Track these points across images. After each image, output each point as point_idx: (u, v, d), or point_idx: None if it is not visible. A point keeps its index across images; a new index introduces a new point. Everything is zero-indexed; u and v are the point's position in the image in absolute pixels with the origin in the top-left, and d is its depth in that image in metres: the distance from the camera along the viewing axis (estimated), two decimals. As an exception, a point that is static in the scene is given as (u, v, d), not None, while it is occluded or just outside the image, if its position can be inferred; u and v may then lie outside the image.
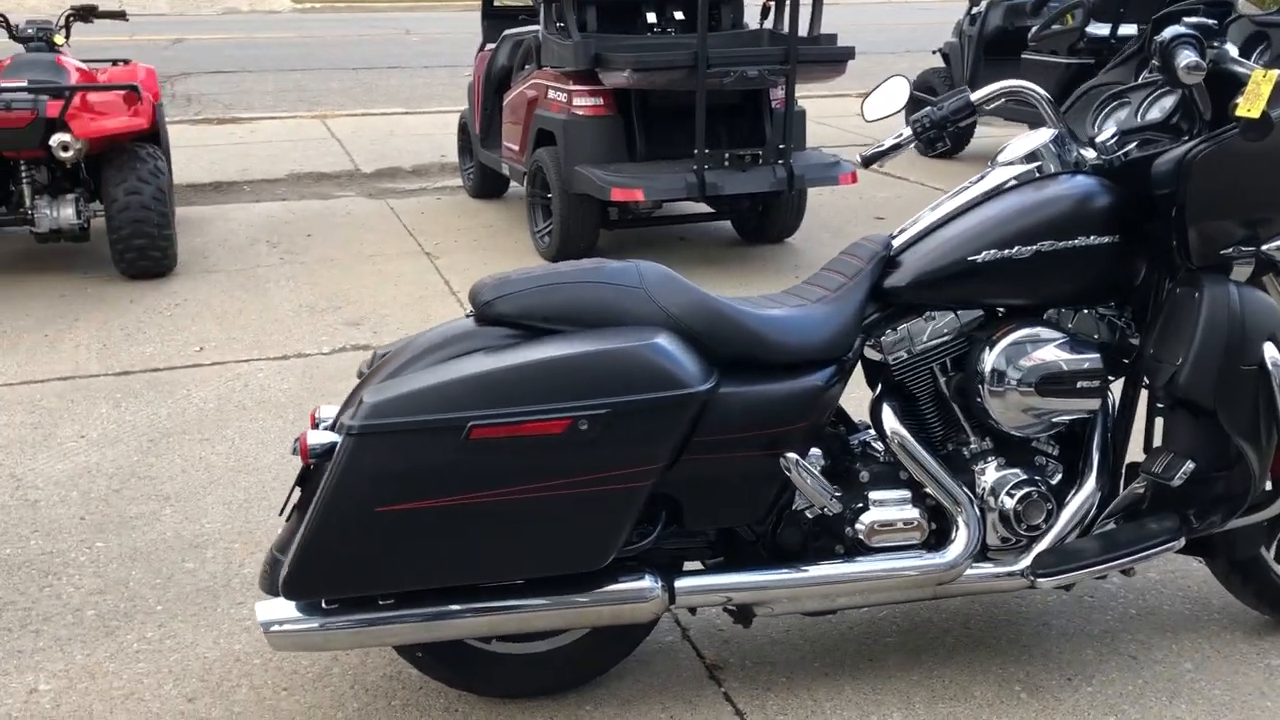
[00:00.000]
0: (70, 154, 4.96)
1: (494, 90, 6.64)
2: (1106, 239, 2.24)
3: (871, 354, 2.36)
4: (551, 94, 5.56)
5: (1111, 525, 2.36)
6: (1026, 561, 2.27)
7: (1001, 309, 2.33)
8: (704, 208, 5.94)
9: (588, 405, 1.92)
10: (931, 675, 2.44)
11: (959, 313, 2.33)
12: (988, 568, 2.28)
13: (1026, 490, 2.29)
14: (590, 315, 2.15)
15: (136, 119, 5.13)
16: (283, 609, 2.02)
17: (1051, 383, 2.24)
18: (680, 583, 2.17)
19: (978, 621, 2.63)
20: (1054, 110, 2.45)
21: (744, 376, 2.18)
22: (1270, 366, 2.18)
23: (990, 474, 2.32)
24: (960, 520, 2.27)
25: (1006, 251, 2.23)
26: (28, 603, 2.71)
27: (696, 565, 2.29)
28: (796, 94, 5.56)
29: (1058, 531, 2.30)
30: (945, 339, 2.32)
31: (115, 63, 6.21)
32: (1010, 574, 2.27)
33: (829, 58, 5.22)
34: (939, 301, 2.30)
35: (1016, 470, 2.32)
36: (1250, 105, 1.97)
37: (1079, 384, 2.25)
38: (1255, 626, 2.60)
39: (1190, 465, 2.24)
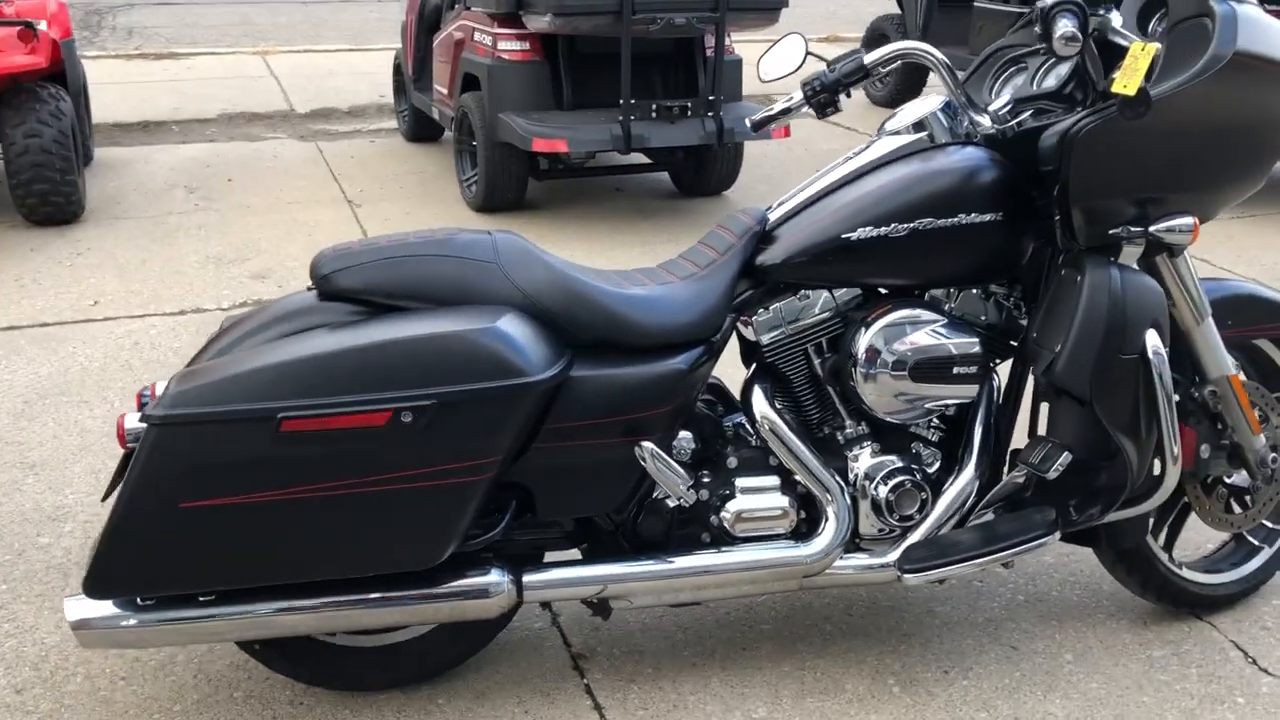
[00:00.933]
0: (-36, 93, 4.73)
1: (426, 30, 6.41)
2: (989, 216, 2.11)
3: (746, 333, 2.23)
4: (478, 36, 5.34)
5: (990, 515, 2.26)
6: (895, 555, 2.17)
7: (882, 289, 2.21)
8: (640, 158, 5.77)
9: (411, 396, 1.78)
10: (804, 666, 2.34)
11: (835, 291, 2.20)
12: (858, 559, 2.18)
13: (899, 479, 2.18)
14: (438, 292, 2.00)
15: (34, 57, 4.88)
16: (95, 605, 1.89)
17: (926, 368, 2.12)
18: (529, 577, 2.05)
19: (860, 608, 2.54)
20: (951, 76, 2.30)
21: (602, 360, 2.05)
22: (1150, 355, 2.06)
23: (863, 461, 2.21)
24: (830, 509, 2.16)
25: (883, 230, 2.10)
26: None
27: (558, 556, 2.18)
28: (732, 43, 5.38)
29: (933, 522, 2.20)
30: (820, 319, 2.20)
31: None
32: (879, 567, 2.17)
33: (760, 5, 5.02)
34: (813, 280, 2.17)
35: (891, 458, 2.21)
36: (1126, 80, 1.83)
37: (955, 370, 2.14)
38: (1141, 614, 2.52)
39: (1067, 456, 2.13)
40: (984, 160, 2.13)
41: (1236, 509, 2.47)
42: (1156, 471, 2.17)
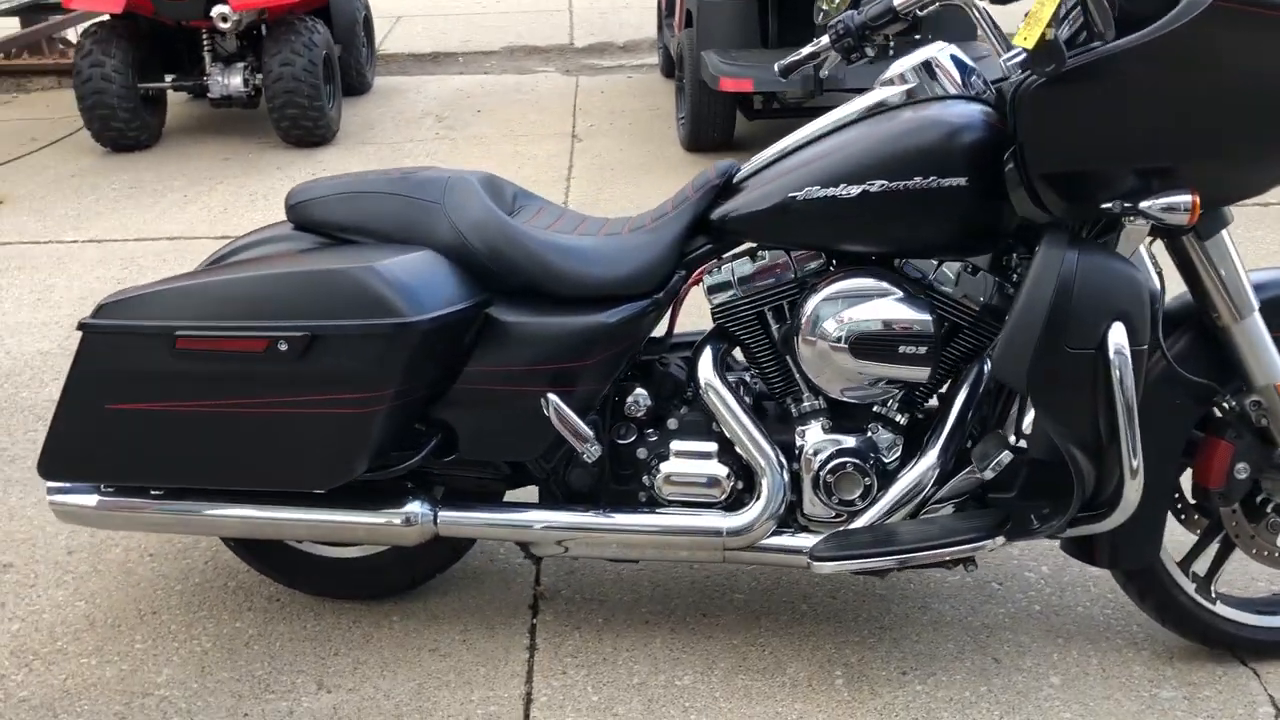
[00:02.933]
0: (228, 24, 5.30)
1: (677, -35, 6.40)
2: (952, 181, 1.87)
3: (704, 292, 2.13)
4: (698, -28, 5.29)
5: (948, 510, 2.05)
6: (812, 540, 2.02)
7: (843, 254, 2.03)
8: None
9: (287, 326, 1.87)
10: (754, 642, 2.25)
11: (793, 254, 2.05)
12: (777, 540, 2.05)
13: (841, 461, 2.02)
14: (385, 228, 2.08)
15: (289, -7, 5.38)
16: (67, 486, 2.15)
17: (868, 343, 1.95)
18: (444, 513, 2.11)
19: (848, 592, 2.38)
20: (989, 22, 2.05)
21: (529, 307, 2.05)
22: (1112, 353, 1.77)
23: (811, 437, 2.06)
24: (764, 483, 2.05)
25: (830, 190, 1.93)
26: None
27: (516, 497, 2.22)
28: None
29: (878, 511, 2.02)
30: (773, 281, 2.06)
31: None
32: (793, 550, 2.03)
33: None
34: (763, 239, 2.04)
35: (840, 437, 2.05)
36: (1028, 31, 1.56)
37: (901, 349, 1.94)
38: (1172, 648, 2.19)
39: (1007, 456, 1.89)
40: (956, 119, 1.89)
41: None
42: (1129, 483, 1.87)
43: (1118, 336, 1.77)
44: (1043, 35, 1.57)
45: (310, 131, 5.57)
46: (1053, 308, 1.77)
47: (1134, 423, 1.80)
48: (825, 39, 2.17)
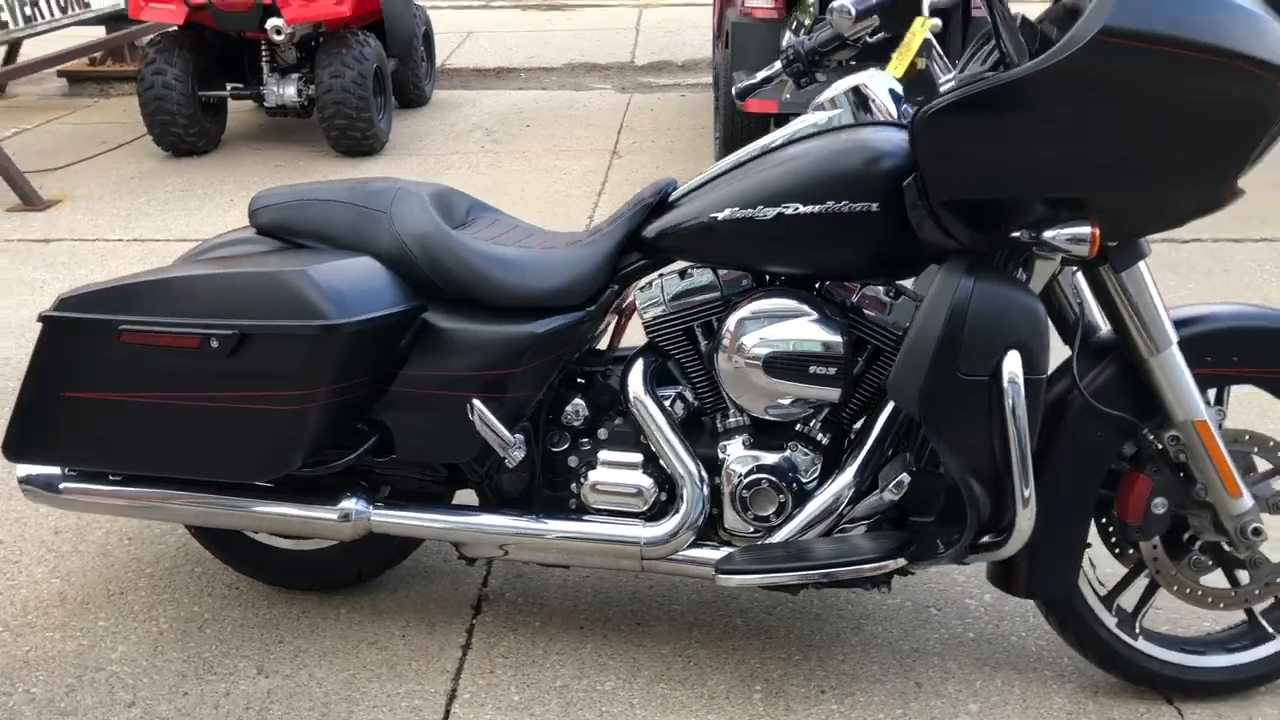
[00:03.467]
0: (282, 37, 5.51)
1: (727, -13, 6.46)
2: (863, 206, 1.90)
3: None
4: (734, -7, 5.35)
5: (860, 530, 2.07)
6: (720, 554, 2.06)
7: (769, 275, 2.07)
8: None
9: (219, 325, 1.97)
10: (682, 653, 2.29)
11: (720, 273, 2.10)
12: (692, 552, 2.09)
13: (757, 477, 2.06)
14: (334, 235, 2.18)
15: (339, 7, 5.56)
16: (34, 468, 2.28)
17: (780, 363, 1.98)
18: (377, 513, 2.19)
19: (784, 609, 2.41)
20: (934, 51, 2.07)
21: (463, 314, 2.12)
22: (1006, 382, 1.78)
23: (732, 453, 2.10)
24: (683, 495, 2.09)
25: (749, 211, 1.97)
26: None
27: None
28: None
29: (792, 528, 2.05)
30: (700, 299, 2.11)
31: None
32: (701, 563, 2.07)
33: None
34: (690, 257, 2.09)
35: (760, 454, 2.08)
36: (899, 61, 1.58)
37: (811, 369, 1.97)
38: (1101, 684, 2.17)
39: (905, 478, 1.90)
40: (872, 144, 1.91)
41: (1225, 582, 2.06)
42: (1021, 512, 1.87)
43: (1012, 365, 1.78)
44: (912, 65, 1.59)
45: (358, 142, 5.75)
46: (944, 333, 1.79)
47: (1026, 451, 1.80)
48: (778, 64, 2.22)
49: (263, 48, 5.84)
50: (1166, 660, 2.11)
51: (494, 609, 2.44)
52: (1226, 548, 2.04)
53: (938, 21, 1.74)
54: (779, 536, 2.06)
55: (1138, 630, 2.11)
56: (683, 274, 2.13)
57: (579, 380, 2.25)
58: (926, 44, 1.70)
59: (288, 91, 5.82)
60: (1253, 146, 1.71)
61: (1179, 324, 1.97)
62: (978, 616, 2.37)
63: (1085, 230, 1.75)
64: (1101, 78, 1.65)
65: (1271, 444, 2.03)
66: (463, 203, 2.34)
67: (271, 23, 5.46)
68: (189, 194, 5.36)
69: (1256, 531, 1.97)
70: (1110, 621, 2.10)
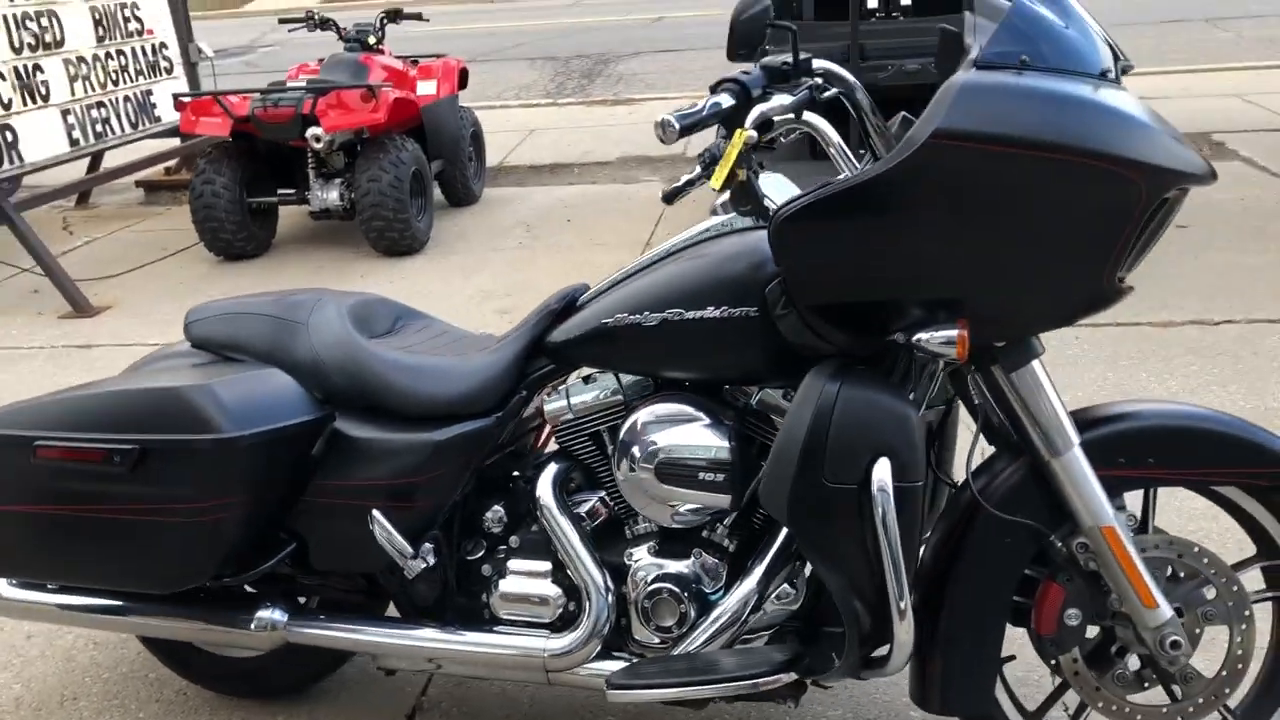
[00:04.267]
0: (321, 144, 5.73)
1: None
2: (742, 311, 1.88)
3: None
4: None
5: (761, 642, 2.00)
6: (615, 667, 2.01)
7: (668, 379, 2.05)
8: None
9: (121, 440, 2.02)
10: (605, 767, 2.23)
11: (621, 377, 2.09)
12: (594, 665, 2.05)
13: (658, 586, 2.02)
14: (255, 348, 2.24)
15: (374, 115, 5.76)
16: (-14, 579, 2.36)
17: (671, 469, 1.95)
18: (293, 624, 2.20)
19: (760, 711, 2.34)
20: (835, 146, 2.05)
21: (371, 423, 2.15)
22: (875, 490, 1.72)
23: (637, 560, 2.07)
24: (588, 605, 2.06)
25: (636, 317, 1.96)
26: None
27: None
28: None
29: (696, 638, 2.00)
30: (603, 404, 2.09)
31: (434, 57, 6.99)
32: (598, 676, 2.02)
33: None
34: (589, 363, 2.09)
35: (664, 562, 2.04)
36: (720, 172, 1.57)
37: (700, 475, 1.94)
38: (1035, 806, 2.05)
39: (786, 588, 1.84)
40: (752, 249, 1.89)
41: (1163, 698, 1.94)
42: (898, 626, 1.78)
43: (881, 473, 1.72)
44: (731, 175, 1.58)
45: (396, 242, 5.91)
46: (808, 439, 1.74)
47: (899, 562, 1.73)
48: (698, 168, 2.22)
49: (308, 155, 6.07)
50: (1097, 782, 1.98)
51: (428, 715, 2.42)
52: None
53: (753, 134, 1.73)
54: (681, 648, 2.01)
55: (1069, 750, 1.99)
56: (587, 379, 2.13)
57: (499, 487, 2.24)
58: (745, 156, 1.69)
59: (330, 195, 6.03)
60: (1123, 242, 1.65)
61: (1091, 424, 1.89)
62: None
63: (952, 333, 1.70)
64: (939, 179, 1.62)
65: (1196, 550, 1.91)
66: (389, 312, 2.38)
67: (311, 131, 5.69)
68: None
69: (1175, 645, 1.85)
70: (1035, 741, 1.98)
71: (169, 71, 7.50)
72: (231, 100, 5.87)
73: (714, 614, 1.99)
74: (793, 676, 1.90)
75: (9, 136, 6.08)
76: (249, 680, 2.49)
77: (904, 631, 1.77)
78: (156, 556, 2.08)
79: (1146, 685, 1.95)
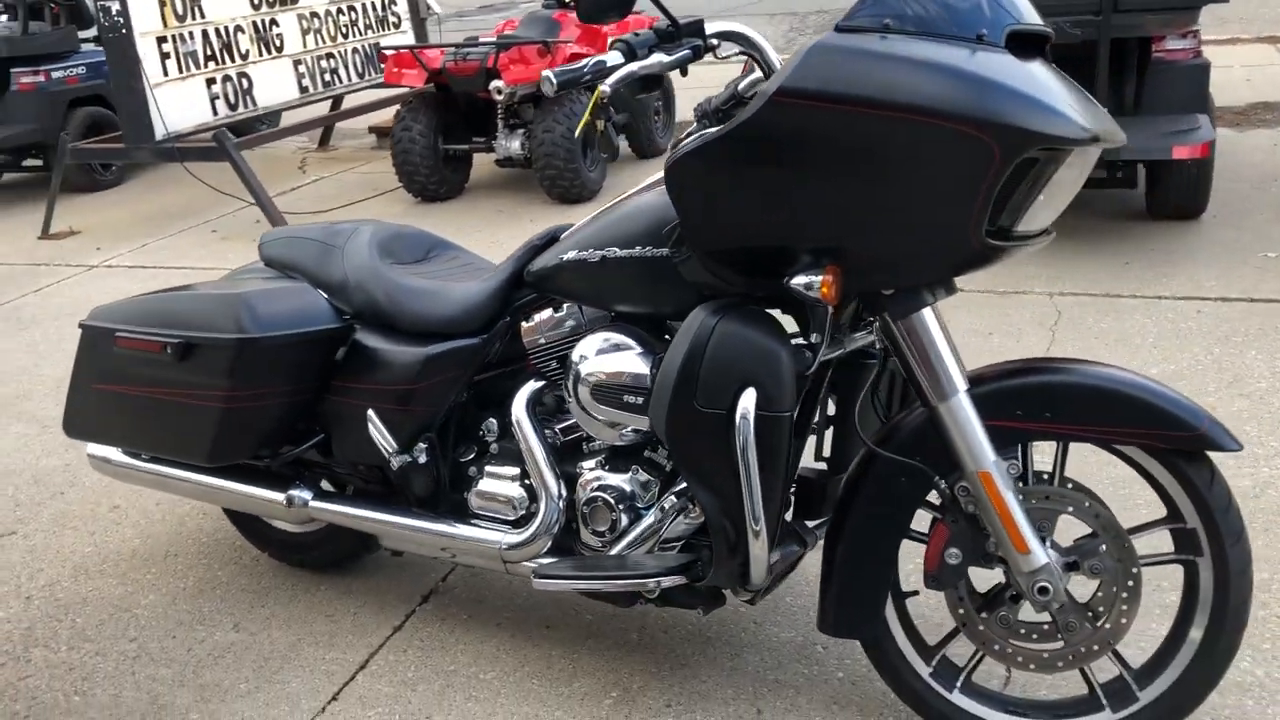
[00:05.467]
0: (501, 96, 6.16)
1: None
2: (661, 251, 2.07)
3: None
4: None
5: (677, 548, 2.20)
6: (543, 561, 2.26)
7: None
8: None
9: (174, 335, 2.44)
10: (569, 655, 2.49)
11: (584, 308, 2.32)
12: (542, 560, 2.30)
13: (596, 495, 2.25)
14: (305, 266, 2.62)
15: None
16: (99, 447, 2.87)
17: (602, 390, 2.17)
18: (315, 501, 2.58)
19: (681, 629, 2.55)
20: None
21: (383, 336, 2.48)
22: (738, 417, 1.88)
23: (585, 473, 2.31)
24: (540, 507, 2.32)
25: (584, 254, 2.19)
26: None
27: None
28: (1193, 46, 4.71)
29: (625, 543, 2.22)
30: (565, 331, 2.34)
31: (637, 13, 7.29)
32: (529, 568, 2.28)
33: (1168, 4, 4.30)
34: (555, 293, 2.32)
35: (606, 475, 2.27)
36: (580, 123, 1.74)
37: (624, 397, 2.15)
38: (934, 735, 2.16)
39: (672, 500, 2.02)
40: (680, 192, 2.08)
41: (1040, 642, 2.01)
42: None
43: (745, 401, 1.89)
44: (592, 126, 1.77)
45: (567, 190, 6.28)
46: (684, 366, 1.92)
47: (755, 484, 1.89)
48: (694, 125, 2.41)
49: (497, 106, 6.53)
50: (981, 717, 2.07)
51: (439, 600, 2.76)
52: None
53: (606, 91, 1.89)
54: (615, 550, 2.24)
55: (957, 683, 2.09)
56: (556, 308, 2.37)
57: (494, 401, 2.53)
58: (602, 109, 1.86)
59: (513, 145, 6.47)
60: (982, 200, 1.72)
61: (996, 376, 1.97)
62: (858, 660, 2.39)
63: (817, 277, 1.84)
64: (785, 135, 1.75)
65: (1087, 504, 1.96)
66: (424, 243, 2.70)
67: (494, 84, 6.12)
68: (414, 234, 6.12)
69: (1043, 590, 1.92)
70: (924, 670, 2.09)
71: (397, 26, 8.17)
72: (427, 54, 6.39)
73: (640, 524, 2.21)
74: (681, 579, 2.10)
75: (245, 83, 6.87)
76: (301, 552, 2.91)
77: (758, 548, 1.94)
78: (200, 434, 2.50)
79: (1033, 635, 2.02)
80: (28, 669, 2.63)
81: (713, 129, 1.86)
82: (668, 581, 2.10)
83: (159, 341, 2.47)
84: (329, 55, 7.52)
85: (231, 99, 6.75)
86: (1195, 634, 1.96)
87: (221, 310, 2.43)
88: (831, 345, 2.07)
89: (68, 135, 7.08)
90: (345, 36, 7.67)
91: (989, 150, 1.69)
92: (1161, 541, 2.01)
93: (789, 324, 2.06)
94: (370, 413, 2.44)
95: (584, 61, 1.97)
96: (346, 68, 7.67)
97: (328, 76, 7.52)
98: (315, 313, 2.47)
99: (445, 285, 2.47)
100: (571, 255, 2.21)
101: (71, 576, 3.01)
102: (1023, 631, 2.02)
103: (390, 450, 2.43)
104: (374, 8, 7.93)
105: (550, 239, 2.38)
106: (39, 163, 8.13)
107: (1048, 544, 1.97)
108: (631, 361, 2.15)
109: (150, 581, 2.95)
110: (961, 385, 1.92)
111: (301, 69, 7.28)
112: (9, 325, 5.12)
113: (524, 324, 2.41)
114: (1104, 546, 1.96)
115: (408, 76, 6.50)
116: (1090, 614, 1.98)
